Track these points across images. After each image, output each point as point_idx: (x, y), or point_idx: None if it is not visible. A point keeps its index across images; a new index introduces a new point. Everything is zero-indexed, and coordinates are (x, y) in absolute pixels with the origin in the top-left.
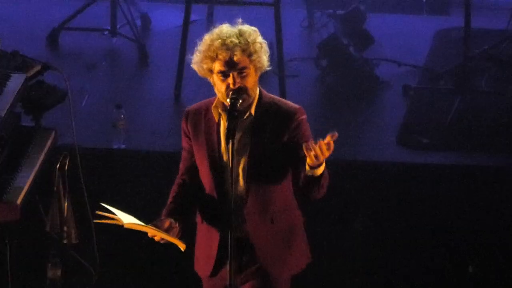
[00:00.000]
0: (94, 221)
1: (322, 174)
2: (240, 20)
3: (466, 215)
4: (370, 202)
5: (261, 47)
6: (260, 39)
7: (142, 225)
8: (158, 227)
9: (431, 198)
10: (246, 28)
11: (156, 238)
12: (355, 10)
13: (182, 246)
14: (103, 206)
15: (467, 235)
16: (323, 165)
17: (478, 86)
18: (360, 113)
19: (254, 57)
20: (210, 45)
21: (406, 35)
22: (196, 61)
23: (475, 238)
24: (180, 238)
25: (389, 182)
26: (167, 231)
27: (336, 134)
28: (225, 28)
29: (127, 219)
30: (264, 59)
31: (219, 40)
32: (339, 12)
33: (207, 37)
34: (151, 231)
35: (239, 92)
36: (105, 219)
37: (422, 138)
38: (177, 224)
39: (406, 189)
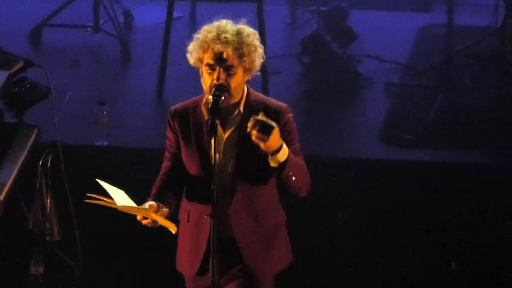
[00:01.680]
0: (86, 201)
1: (286, 161)
2: (244, 19)
3: (449, 212)
4: (353, 200)
5: (255, 50)
6: (256, 42)
7: (135, 207)
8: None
9: (414, 195)
10: (246, 28)
11: (146, 222)
12: (337, 6)
13: (173, 229)
14: (99, 183)
15: (451, 231)
16: (284, 151)
17: (460, 83)
18: (342, 110)
19: (245, 58)
20: (205, 36)
21: (389, 31)
22: (190, 48)
23: (459, 234)
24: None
25: (372, 179)
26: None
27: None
28: (224, 23)
29: (120, 200)
30: (256, 63)
31: (215, 33)
32: (322, 8)
33: (205, 27)
34: (143, 212)
35: (221, 90)
36: (97, 201)
37: (404, 135)
38: (164, 208)
39: (389, 186)
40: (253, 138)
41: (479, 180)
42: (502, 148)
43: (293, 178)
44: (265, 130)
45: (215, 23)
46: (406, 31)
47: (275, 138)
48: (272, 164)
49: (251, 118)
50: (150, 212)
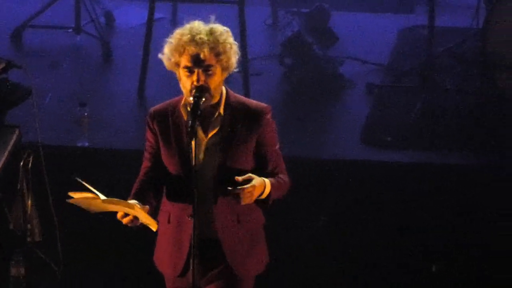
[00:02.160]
0: (69, 200)
1: (268, 196)
2: (213, 18)
3: (430, 213)
4: (334, 201)
5: (231, 48)
6: (230, 40)
7: (120, 201)
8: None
9: (395, 196)
10: (218, 27)
11: (126, 220)
12: (319, 8)
13: (154, 226)
14: (80, 184)
15: (432, 233)
16: (267, 189)
17: (442, 84)
18: (324, 111)
19: (222, 57)
20: (179, 39)
21: (370, 33)
22: (165, 53)
23: (440, 236)
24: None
25: (352, 181)
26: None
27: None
28: (197, 24)
29: (102, 196)
30: (232, 60)
31: (189, 35)
32: (303, 10)
33: (178, 31)
34: (127, 206)
35: (202, 91)
36: (80, 195)
37: (386, 136)
38: (146, 206)
39: (370, 187)
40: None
41: (460, 182)
42: (483, 149)
43: (272, 200)
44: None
45: (187, 26)
46: (387, 33)
47: (258, 191)
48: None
49: (231, 192)
50: (133, 207)
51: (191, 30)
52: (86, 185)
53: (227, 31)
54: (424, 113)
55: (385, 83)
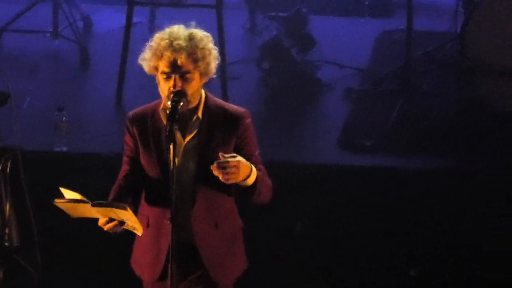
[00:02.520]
0: (55, 203)
1: (255, 183)
2: (193, 23)
3: (408, 218)
4: (311, 205)
5: (210, 53)
6: (210, 45)
7: (109, 204)
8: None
9: (373, 201)
10: (198, 32)
11: (108, 226)
12: (297, 12)
13: (140, 231)
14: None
15: (410, 237)
16: (253, 174)
17: (420, 88)
18: (302, 115)
19: (199, 63)
20: (158, 44)
21: (349, 37)
22: (144, 57)
23: (417, 240)
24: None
25: (331, 185)
26: None
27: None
28: (176, 29)
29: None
30: (211, 66)
31: (167, 41)
32: (281, 14)
33: (158, 35)
34: (112, 213)
35: (180, 96)
36: (65, 204)
37: (364, 141)
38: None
39: (349, 192)
40: (222, 179)
41: (438, 186)
42: (461, 153)
43: (260, 195)
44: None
45: (167, 30)
46: (366, 37)
47: (243, 169)
48: (243, 185)
49: (214, 165)
50: (127, 208)
51: (170, 34)
52: (70, 193)
53: (207, 37)
54: (403, 117)
55: (363, 87)
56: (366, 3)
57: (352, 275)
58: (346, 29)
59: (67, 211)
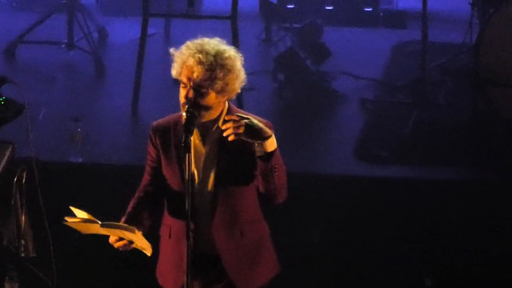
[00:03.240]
0: (65, 222)
1: (273, 152)
2: (225, 41)
3: (423, 228)
4: (327, 216)
5: (232, 73)
6: (236, 65)
7: (117, 225)
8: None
9: (388, 211)
10: (228, 51)
11: (119, 244)
12: (311, 23)
13: (149, 251)
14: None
15: (425, 248)
16: (272, 139)
17: (435, 99)
18: (317, 126)
19: (216, 81)
20: (184, 52)
21: (363, 48)
22: (175, 60)
23: (433, 251)
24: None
25: (347, 196)
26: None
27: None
28: (206, 42)
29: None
30: (231, 86)
31: (191, 51)
32: (296, 25)
33: (188, 43)
34: (121, 233)
35: (194, 107)
36: (75, 223)
37: (379, 152)
38: (140, 230)
39: (364, 202)
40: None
41: (453, 196)
42: (476, 164)
43: (276, 174)
44: (251, 129)
45: (198, 41)
46: (380, 48)
47: (258, 126)
48: (259, 153)
49: (228, 123)
50: (135, 230)
51: (197, 46)
52: (80, 212)
53: (235, 56)
54: (417, 128)
55: (378, 98)
56: (381, 14)
57: (367, 284)
58: (361, 40)
59: (77, 229)
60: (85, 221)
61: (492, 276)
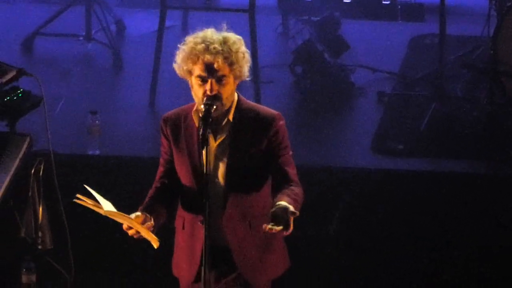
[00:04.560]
0: (75, 201)
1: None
2: (225, 26)
3: (440, 221)
4: (344, 209)
5: (243, 57)
6: (243, 48)
7: (121, 214)
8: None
9: (405, 204)
10: (231, 36)
11: (131, 232)
12: (329, 16)
13: (155, 243)
14: (87, 189)
15: (441, 240)
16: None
17: (453, 92)
18: (334, 119)
19: (235, 66)
20: (193, 48)
21: (381, 41)
22: (177, 61)
23: (449, 242)
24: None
25: (363, 189)
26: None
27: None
28: (210, 33)
29: (107, 206)
30: (245, 69)
31: (203, 45)
32: (314, 18)
33: (191, 39)
34: (128, 221)
35: (214, 99)
36: (85, 202)
37: (396, 145)
38: (152, 220)
39: (381, 196)
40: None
41: (470, 190)
42: (494, 157)
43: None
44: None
45: (200, 34)
46: (398, 41)
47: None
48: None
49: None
50: (134, 222)
51: (204, 38)
52: (94, 193)
53: (239, 40)
54: (435, 121)
55: (396, 91)
56: (399, 7)
57: (383, 278)
58: (378, 33)
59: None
60: (92, 205)
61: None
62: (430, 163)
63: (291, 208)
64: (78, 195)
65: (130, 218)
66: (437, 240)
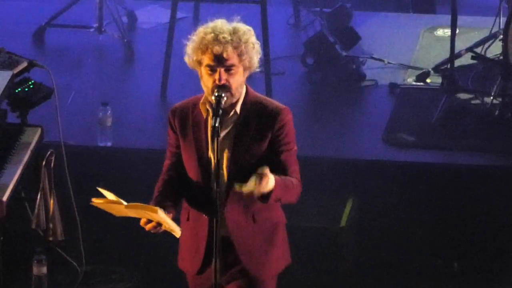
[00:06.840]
0: (92, 203)
1: (271, 191)
2: (238, 17)
3: (451, 213)
4: (355, 201)
5: (253, 47)
6: (253, 39)
7: (144, 205)
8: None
9: (416, 196)
10: (241, 26)
11: (149, 226)
12: (341, 8)
13: (178, 233)
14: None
15: (453, 232)
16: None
17: (464, 84)
18: (346, 111)
19: (244, 56)
20: (202, 38)
21: (393, 33)
22: (187, 52)
23: (461, 235)
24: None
25: (374, 180)
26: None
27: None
28: (220, 23)
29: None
30: (254, 60)
31: (212, 34)
32: (325, 10)
33: (201, 29)
34: (151, 212)
35: (223, 89)
36: (102, 204)
37: (408, 137)
38: (170, 213)
39: (392, 188)
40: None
41: (482, 183)
42: (505, 150)
43: (281, 200)
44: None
45: (210, 24)
46: (410, 32)
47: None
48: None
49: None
50: (158, 211)
51: (214, 29)
52: (108, 193)
53: (249, 30)
54: (446, 113)
55: (407, 83)
56: None
57: (396, 269)
58: (390, 24)
59: (106, 210)
60: (111, 202)
61: None
62: (441, 155)
63: (266, 170)
64: (93, 199)
65: (152, 208)
66: (451, 232)
